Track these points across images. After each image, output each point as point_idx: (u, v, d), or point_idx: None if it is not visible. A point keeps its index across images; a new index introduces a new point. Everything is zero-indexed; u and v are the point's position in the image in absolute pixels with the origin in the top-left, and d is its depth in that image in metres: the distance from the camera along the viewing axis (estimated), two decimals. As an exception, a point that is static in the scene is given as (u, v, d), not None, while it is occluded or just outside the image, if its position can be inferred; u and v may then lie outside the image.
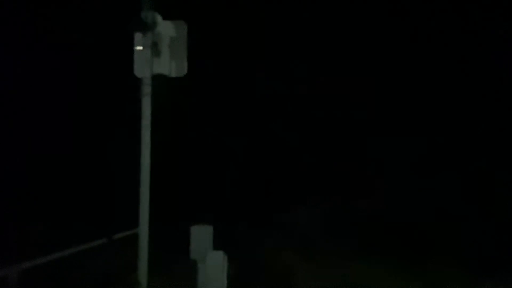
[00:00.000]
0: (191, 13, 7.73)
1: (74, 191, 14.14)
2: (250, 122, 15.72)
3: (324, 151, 15.66)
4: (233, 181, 15.18)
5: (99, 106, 15.06)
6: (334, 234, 12.66)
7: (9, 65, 14.48)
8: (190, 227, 8.04)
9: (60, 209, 13.38)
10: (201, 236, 7.95)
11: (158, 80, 7.05)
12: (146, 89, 6.88)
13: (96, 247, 9.25)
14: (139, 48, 6.94)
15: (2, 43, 14.51)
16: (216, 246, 7.90)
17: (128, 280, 7.09)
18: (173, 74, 7.17)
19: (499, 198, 13.71)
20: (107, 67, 14.03)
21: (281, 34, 15.66)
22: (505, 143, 14.38)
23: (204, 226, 8.08)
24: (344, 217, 13.74)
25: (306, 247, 11.54)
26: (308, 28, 15.68)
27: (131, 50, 7.02)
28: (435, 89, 15.34)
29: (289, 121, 15.88)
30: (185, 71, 7.20)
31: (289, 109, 15.90)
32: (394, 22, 15.27)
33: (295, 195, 14.74)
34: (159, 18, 6.98)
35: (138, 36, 6.96)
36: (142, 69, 6.94)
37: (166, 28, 7.07)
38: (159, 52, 6.98)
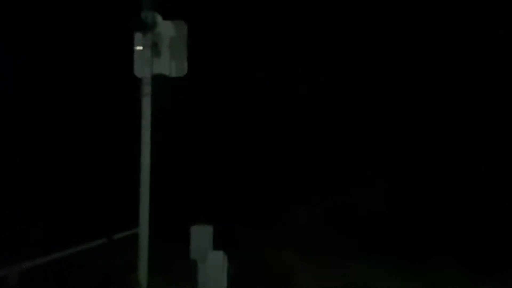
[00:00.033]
0: (191, 13, 7.73)
1: (74, 191, 14.14)
2: (250, 122, 15.72)
3: (324, 151, 15.66)
4: (233, 181, 15.18)
5: (99, 106, 15.06)
6: (334, 234, 12.66)
7: (9, 65, 14.48)
8: (190, 227, 8.04)
9: (60, 209, 13.38)
10: (201, 236, 7.95)
11: (158, 80, 7.06)
12: (146, 89, 6.89)
13: (96, 247, 9.25)
14: (139, 48, 6.94)
15: (2, 43, 14.51)
16: (216, 246, 7.90)
17: (128, 280, 7.09)
18: (173, 74, 7.17)
19: (499, 198, 13.71)
20: (107, 67, 14.04)
21: (281, 34, 15.66)
22: (505, 143, 14.38)
23: (204, 226, 8.08)
24: (344, 217, 13.74)
25: (306, 247, 11.54)
26: (308, 28, 15.68)
27: (131, 50, 7.03)
28: (435, 89, 15.34)
29: (289, 121, 15.88)
30: (185, 71, 7.20)
31: (289, 109, 15.90)
32: (394, 22, 15.27)
33: (295, 195, 14.74)
34: (159, 18, 6.98)
35: (138, 36, 6.97)
36: (142, 69, 6.94)
37: (166, 28, 7.07)
38: (159, 52, 6.98)
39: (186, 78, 7.33)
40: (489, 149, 14.57)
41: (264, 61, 15.55)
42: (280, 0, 15.51)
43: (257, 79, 15.72)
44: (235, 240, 10.45)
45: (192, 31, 7.15)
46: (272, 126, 15.81)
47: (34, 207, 13.26)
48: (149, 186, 6.84)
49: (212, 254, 7.75)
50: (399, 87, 15.29)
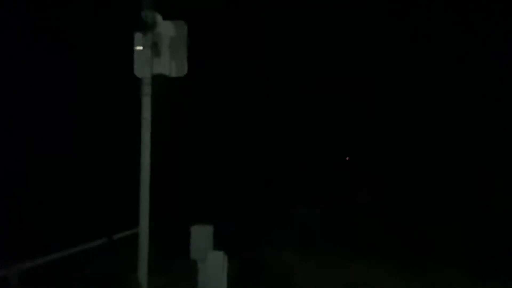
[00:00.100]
0: (191, 13, 7.73)
1: (74, 191, 14.14)
2: (250, 122, 15.73)
3: (324, 151, 15.67)
4: (233, 181, 15.18)
5: (99, 106, 15.06)
6: (334, 234, 12.66)
7: (9, 66, 14.48)
8: (190, 227, 8.03)
9: (60, 209, 13.38)
10: (201, 236, 7.95)
11: (158, 80, 7.05)
12: (146, 89, 6.88)
13: (96, 247, 9.25)
14: (139, 48, 6.93)
15: (1, 43, 14.51)
16: (216, 246, 7.90)
17: (128, 280, 7.08)
18: (173, 74, 7.17)
19: (499, 198, 13.71)
20: (107, 67, 14.04)
21: (281, 34, 15.67)
22: (506, 143, 14.38)
23: (204, 226, 8.08)
24: (344, 217, 13.75)
25: (306, 247, 11.54)
26: (308, 29, 15.69)
27: (131, 50, 7.02)
28: (435, 90, 15.35)
29: (289, 121, 15.89)
30: (185, 71, 7.20)
31: (289, 109, 15.91)
32: (394, 23, 15.28)
33: (295, 195, 14.75)
34: (159, 18, 6.98)
35: (138, 36, 6.96)
36: (142, 69, 6.94)
37: (166, 28, 7.06)
38: (159, 52, 6.98)
39: (186, 78, 7.33)
40: (489, 149, 14.58)
41: (264, 61, 15.56)
42: (280, 0, 15.51)
43: (257, 79, 15.72)
44: (235, 240, 10.45)
45: (192, 31, 7.15)
46: (272, 126, 15.82)
47: (34, 208, 13.26)
48: (149, 186, 6.83)
49: (212, 254, 7.74)
50: (399, 87, 15.29)
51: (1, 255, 7.82)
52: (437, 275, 9.77)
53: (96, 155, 14.98)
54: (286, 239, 12.14)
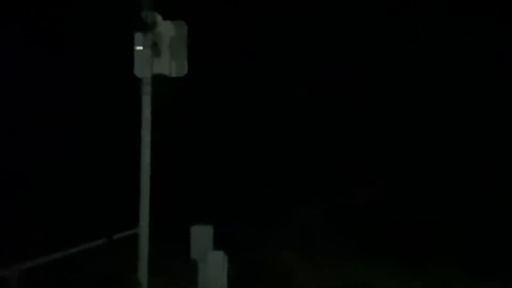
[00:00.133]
0: (191, 13, 7.73)
1: (74, 191, 14.14)
2: (250, 122, 15.73)
3: (324, 151, 15.66)
4: (233, 181, 15.18)
5: (99, 106, 15.06)
6: (334, 234, 12.66)
7: (9, 65, 14.48)
8: (190, 227, 8.04)
9: (60, 209, 13.38)
10: (201, 236, 7.96)
11: (158, 80, 7.06)
12: (146, 89, 6.89)
13: (96, 247, 9.25)
14: (139, 48, 6.94)
15: (1, 43, 14.52)
16: (216, 246, 7.90)
17: (128, 280, 7.09)
18: (173, 74, 7.19)
19: (499, 198, 13.71)
20: (107, 67, 14.04)
21: (281, 34, 15.66)
22: (506, 143, 14.38)
23: (204, 226, 8.09)
24: (344, 217, 13.74)
25: (306, 247, 11.54)
26: (308, 28, 15.69)
27: (131, 50, 7.03)
28: (435, 89, 15.34)
29: (289, 121, 15.89)
30: (185, 71, 7.21)
31: (289, 109, 15.91)
32: (394, 22, 15.27)
33: (295, 195, 14.74)
34: (159, 18, 6.99)
35: (138, 36, 6.97)
36: (142, 69, 6.95)
37: (166, 28, 7.08)
38: (159, 52, 6.99)
39: (186, 78, 7.34)
40: (489, 149, 14.57)
41: (264, 61, 15.55)
42: (280, 0, 15.51)
43: (257, 79, 15.72)
44: (235, 240, 10.45)
45: (192, 31, 7.15)
46: (272, 126, 15.82)
47: (34, 207, 13.26)
48: (149, 186, 6.84)
49: (212, 254, 7.75)
50: (399, 87, 15.29)
51: (1, 255, 7.82)
52: (437, 275, 9.77)
53: (96, 155, 14.98)
54: (286, 239, 12.14)
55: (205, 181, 14.94)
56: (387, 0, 15.24)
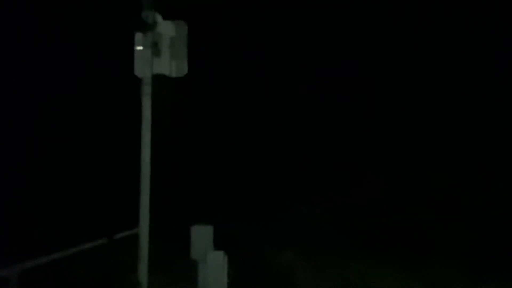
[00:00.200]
0: (191, 13, 7.73)
1: (74, 191, 14.14)
2: (250, 122, 15.73)
3: (324, 151, 15.67)
4: (233, 181, 15.18)
5: (100, 105, 15.06)
6: (334, 234, 12.65)
7: (9, 65, 14.48)
8: (190, 227, 8.04)
9: (60, 209, 13.38)
10: (201, 236, 7.96)
11: (159, 80, 7.06)
12: (146, 89, 6.90)
13: (96, 247, 9.24)
14: (139, 48, 6.95)
15: (1, 43, 14.52)
16: (216, 246, 7.91)
17: (128, 280, 7.09)
18: (174, 74, 7.18)
19: (500, 198, 13.71)
20: (107, 67, 14.04)
21: (281, 33, 15.66)
22: (506, 143, 14.38)
23: (204, 226, 8.09)
24: (344, 217, 13.74)
25: (306, 247, 11.54)
26: (308, 28, 15.69)
27: (131, 50, 7.03)
28: (435, 89, 15.35)
29: (289, 121, 15.89)
30: (186, 71, 7.21)
31: (289, 109, 15.91)
32: (394, 22, 15.28)
33: (295, 195, 14.74)
34: (159, 18, 6.99)
35: (138, 36, 6.97)
36: (142, 69, 6.95)
37: (166, 28, 7.07)
38: (159, 52, 6.99)
39: (186, 78, 7.34)
40: (489, 149, 14.57)
41: (264, 61, 15.56)
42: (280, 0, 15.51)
43: (257, 79, 15.72)
44: (235, 240, 10.45)
45: (192, 31, 7.15)
46: (272, 126, 15.82)
47: (34, 207, 13.26)
48: (149, 186, 6.84)
49: (212, 254, 7.76)
50: (399, 87, 15.29)
51: (1, 255, 7.82)
52: (437, 275, 9.77)
53: (96, 155, 14.98)
54: (286, 239, 12.14)
55: (205, 181, 14.94)
56: (387, 0, 15.24)
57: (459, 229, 12.80)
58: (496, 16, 14.81)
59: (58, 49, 15.09)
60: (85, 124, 15.25)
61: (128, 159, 8.19)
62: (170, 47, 7.09)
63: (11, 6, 14.92)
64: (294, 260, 10.37)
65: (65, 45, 15.08)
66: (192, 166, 15.25)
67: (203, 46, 11.49)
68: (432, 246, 11.92)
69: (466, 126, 14.85)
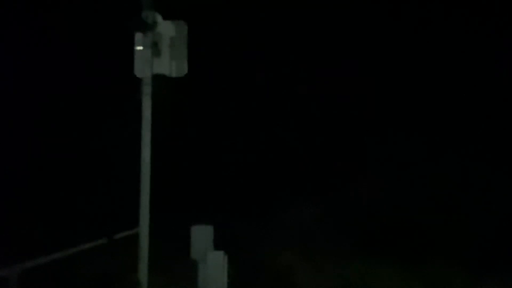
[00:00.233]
0: (191, 13, 7.73)
1: (74, 190, 14.14)
2: (250, 122, 15.73)
3: (324, 151, 15.66)
4: (233, 181, 15.18)
5: (100, 105, 15.06)
6: (334, 234, 12.65)
7: (9, 65, 14.48)
8: (190, 227, 8.04)
9: (60, 209, 13.37)
10: (201, 236, 7.97)
11: (158, 80, 7.06)
12: (146, 89, 6.90)
13: (96, 247, 9.25)
14: (139, 48, 6.95)
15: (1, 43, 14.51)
16: (216, 246, 7.91)
17: (128, 280, 7.09)
18: (174, 74, 7.18)
19: (500, 198, 13.71)
20: (107, 67, 14.03)
21: (281, 33, 15.66)
22: (506, 143, 14.38)
23: (204, 226, 8.09)
24: (344, 217, 13.73)
25: (306, 247, 11.54)
26: (308, 28, 15.68)
27: (131, 50, 7.03)
28: (435, 89, 15.35)
29: (289, 121, 15.88)
30: (186, 71, 7.21)
31: (289, 109, 15.91)
32: (394, 22, 15.27)
33: (295, 194, 14.74)
34: (159, 18, 6.99)
35: (138, 36, 6.98)
36: (142, 69, 6.95)
37: (167, 28, 7.08)
38: (159, 52, 6.99)
39: (186, 78, 7.34)
40: (489, 149, 14.57)
41: (264, 61, 15.55)
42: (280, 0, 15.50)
43: (257, 79, 15.72)
44: (235, 240, 10.45)
45: (192, 31, 7.15)
46: (272, 126, 15.82)
47: (34, 207, 13.25)
48: (149, 186, 6.85)
49: (212, 254, 7.76)
50: (399, 87, 15.29)
51: (1, 255, 7.82)
52: (437, 275, 9.76)
53: (96, 155, 14.97)
54: (286, 239, 12.13)
55: (205, 181, 14.94)
56: (387, 0, 15.24)
57: (459, 229, 12.79)
58: (496, 16, 14.81)
59: (58, 49, 15.09)
60: (85, 124, 15.24)
61: (128, 159, 8.19)
62: (170, 47, 7.09)
63: (11, 6, 14.92)
64: (294, 260, 10.37)
65: (65, 45, 15.08)
66: (192, 166, 15.25)
67: (203, 46, 11.49)
68: (432, 246, 11.91)
69: (466, 126, 14.85)
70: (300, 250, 11.21)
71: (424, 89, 15.42)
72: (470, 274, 9.75)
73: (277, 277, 9.23)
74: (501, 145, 14.51)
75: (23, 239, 10.57)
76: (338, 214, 13.89)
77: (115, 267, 8.39)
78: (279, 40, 15.74)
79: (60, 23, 14.97)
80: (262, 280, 8.99)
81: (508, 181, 13.80)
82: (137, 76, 7.03)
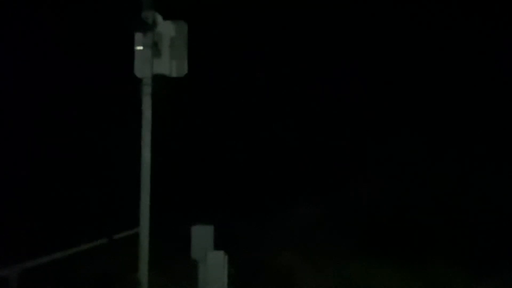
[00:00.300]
0: (191, 13, 7.73)
1: (74, 190, 14.13)
2: (250, 122, 15.73)
3: (324, 151, 15.66)
4: (233, 180, 15.18)
5: (100, 105, 15.05)
6: (334, 234, 12.65)
7: (8, 65, 14.47)
8: (190, 227, 8.04)
9: (60, 209, 13.37)
10: (201, 236, 7.97)
11: (159, 80, 7.06)
12: (146, 89, 6.90)
13: (96, 247, 9.25)
14: (140, 48, 6.95)
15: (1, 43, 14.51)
16: (217, 246, 7.91)
17: (128, 280, 7.09)
18: (174, 74, 7.18)
19: (499, 198, 13.71)
20: (107, 67, 14.03)
21: (281, 33, 15.66)
22: (506, 143, 14.38)
23: (204, 226, 8.09)
24: (344, 217, 13.74)
25: (306, 247, 11.53)
26: (308, 28, 15.68)
27: (131, 50, 7.03)
28: (435, 89, 15.34)
29: (289, 121, 15.88)
30: (186, 71, 7.21)
31: (289, 109, 15.91)
32: (394, 22, 15.27)
33: (295, 194, 14.74)
34: (159, 18, 6.99)
35: (138, 36, 6.97)
36: (143, 69, 6.95)
37: (167, 28, 7.08)
38: (159, 52, 6.99)
39: (186, 78, 7.34)
40: (489, 149, 14.57)
41: (264, 61, 15.55)
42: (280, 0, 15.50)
43: (257, 79, 15.72)
44: (235, 240, 10.45)
45: (193, 31, 7.15)
46: (272, 126, 15.82)
47: (34, 207, 13.25)
48: (149, 186, 6.85)
49: (212, 254, 7.76)
50: (399, 87, 15.29)
51: (1, 255, 7.82)
52: (437, 275, 9.77)
53: (96, 155, 14.97)
54: (286, 239, 12.13)
55: (205, 181, 14.94)
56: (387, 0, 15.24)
57: (459, 229, 12.79)
58: (496, 16, 14.81)
59: (58, 48, 15.08)
60: (85, 124, 15.24)
61: (128, 159, 8.19)
62: (170, 47, 7.09)
63: (11, 6, 14.91)
64: (294, 260, 10.37)
65: (65, 44, 15.08)
66: (192, 166, 15.25)
67: (203, 46, 11.49)
68: (432, 246, 11.91)
69: (466, 126, 14.85)
70: (300, 250, 11.21)
71: (424, 89, 15.42)
72: (470, 274, 9.75)
73: (277, 277, 9.23)
74: (501, 145, 14.51)
75: (23, 239, 10.57)
76: (338, 214, 13.89)
77: (115, 267, 8.40)
78: (279, 40, 15.74)
79: (60, 23, 14.97)
80: (262, 280, 8.98)
81: (508, 181, 13.80)
82: (137, 76, 7.03)
